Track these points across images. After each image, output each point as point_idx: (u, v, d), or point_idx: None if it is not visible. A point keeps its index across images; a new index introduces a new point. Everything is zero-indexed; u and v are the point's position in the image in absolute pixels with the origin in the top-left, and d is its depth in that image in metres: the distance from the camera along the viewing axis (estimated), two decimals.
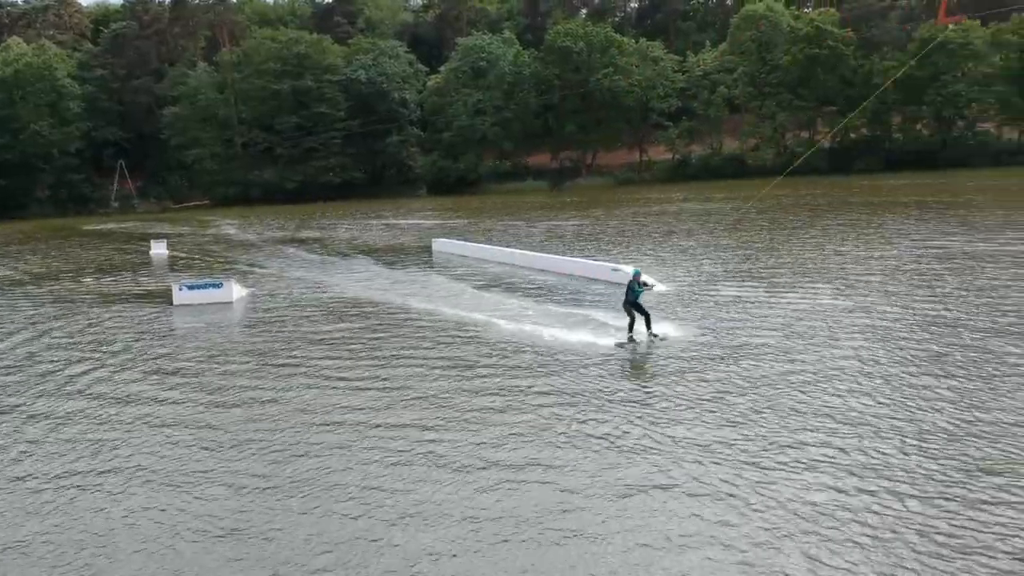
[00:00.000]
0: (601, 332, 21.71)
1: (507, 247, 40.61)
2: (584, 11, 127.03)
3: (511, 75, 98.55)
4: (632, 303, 19.91)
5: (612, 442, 13.86)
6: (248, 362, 21.05)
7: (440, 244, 43.92)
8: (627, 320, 20.17)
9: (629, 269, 22.64)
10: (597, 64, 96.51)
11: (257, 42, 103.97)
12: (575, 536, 10.77)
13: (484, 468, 13.07)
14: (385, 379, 18.53)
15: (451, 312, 26.12)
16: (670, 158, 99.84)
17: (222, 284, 31.59)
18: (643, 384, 17.19)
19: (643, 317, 19.95)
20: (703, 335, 20.72)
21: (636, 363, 18.86)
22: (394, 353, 20.96)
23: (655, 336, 19.92)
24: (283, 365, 20.42)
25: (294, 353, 21.65)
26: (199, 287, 31.50)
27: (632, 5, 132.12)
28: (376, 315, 26.41)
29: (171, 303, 30.65)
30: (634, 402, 15.93)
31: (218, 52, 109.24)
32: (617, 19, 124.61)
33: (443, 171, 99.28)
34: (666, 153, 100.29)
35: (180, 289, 31.19)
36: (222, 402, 17.64)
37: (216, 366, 20.84)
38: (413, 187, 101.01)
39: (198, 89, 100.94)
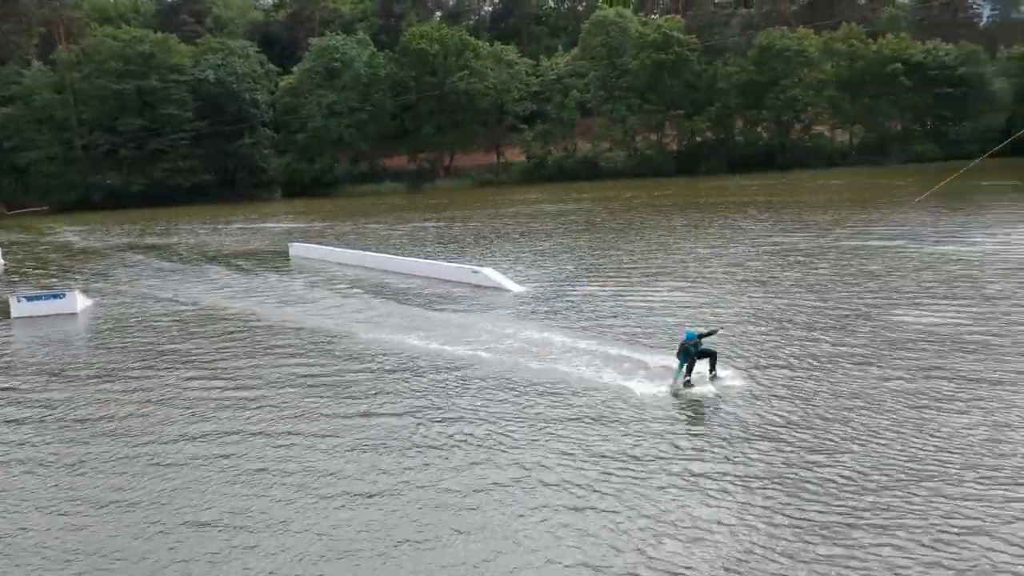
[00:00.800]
0: (457, 337, 22.10)
1: (366, 250, 40.44)
2: (438, 14, 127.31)
3: (366, 76, 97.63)
4: (693, 357, 16.77)
5: (464, 441, 14.28)
6: (94, 377, 20.33)
7: (297, 249, 43.26)
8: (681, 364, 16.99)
9: (682, 332, 17.65)
10: (453, 66, 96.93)
11: (98, 40, 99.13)
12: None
13: (329, 473, 13.26)
14: (240, 394, 18.29)
15: (309, 320, 25.93)
16: (526, 160, 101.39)
17: (65, 295, 30.22)
18: (498, 387, 17.63)
19: (709, 358, 17.03)
20: (550, 330, 21.41)
21: (507, 366, 19.28)
22: (250, 366, 20.69)
23: (715, 376, 16.98)
24: (133, 379, 19.84)
25: (144, 368, 21.05)
26: (39, 298, 30.06)
27: (486, 8, 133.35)
28: (230, 325, 25.89)
29: (8, 316, 29.11)
30: (493, 407, 16.38)
31: (55, 50, 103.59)
32: (471, 22, 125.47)
33: (298, 173, 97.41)
34: (522, 155, 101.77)
35: (18, 301, 29.66)
36: (65, 420, 17.03)
37: (59, 382, 20.05)
38: (267, 190, 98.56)
39: (33, 89, 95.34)
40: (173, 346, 23.16)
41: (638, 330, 21.39)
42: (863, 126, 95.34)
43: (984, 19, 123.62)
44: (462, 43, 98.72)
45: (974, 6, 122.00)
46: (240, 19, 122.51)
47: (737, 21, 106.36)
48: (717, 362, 17.15)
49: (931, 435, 13.37)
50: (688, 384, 16.70)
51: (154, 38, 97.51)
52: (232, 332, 24.60)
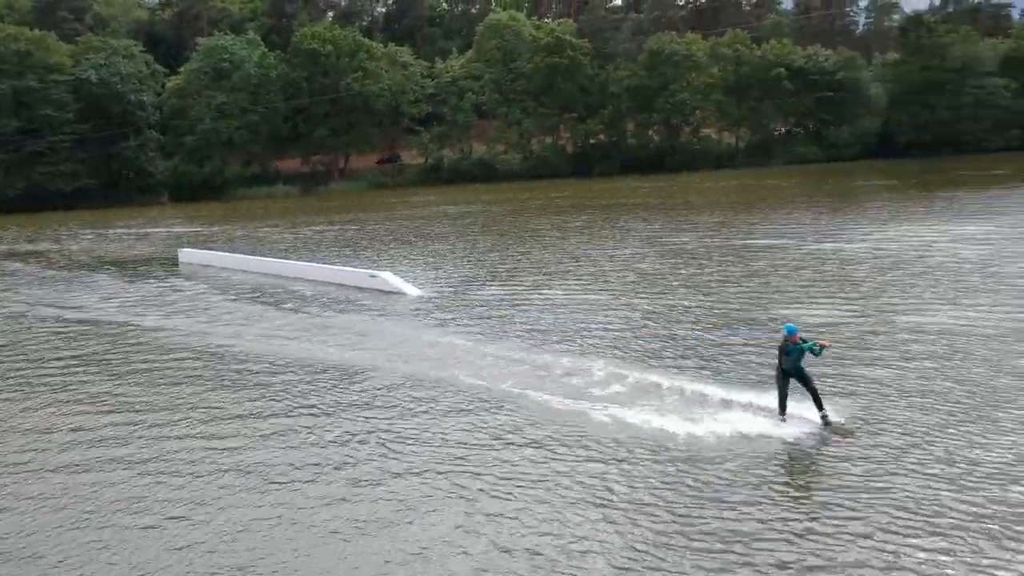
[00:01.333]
0: (355, 343, 22.06)
1: (259, 256, 39.76)
2: (330, 14, 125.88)
3: (257, 77, 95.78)
4: (790, 372, 14.26)
5: (345, 442, 14.37)
6: None
7: (187, 255, 42.17)
8: (776, 396, 14.56)
9: (780, 330, 15.14)
10: (346, 67, 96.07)
11: None
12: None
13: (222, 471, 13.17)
14: (125, 401, 17.84)
15: (200, 329, 25.37)
16: (422, 162, 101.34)
17: None
18: (377, 392, 17.71)
19: (809, 392, 14.25)
20: (449, 334, 21.61)
21: (405, 372, 19.33)
22: (137, 376, 20.18)
23: (827, 420, 14.03)
24: (12, 391, 19.13)
25: (23, 380, 20.29)
26: None
27: (379, 10, 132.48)
28: (117, 336, 25.13)
29: None
30: (360, 406, 16.47)
31: None
32: (364, 23, 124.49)
33: (186, 176, 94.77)
34: (418, 157, 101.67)
35: None
36: None
37: None
38: (154, 193, 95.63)
39: None
40: (55, 358, 22.37)
41: (536, 332, 21.75)
42: (748, 128, 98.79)
43: (860, 27, 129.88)
44: (355, 44, 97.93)
45: (850, 14, 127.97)
46: (123, 17, 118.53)
47: (628, 26, 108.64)
48: (821, 396, 14.23)
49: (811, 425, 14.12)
50: (783, 412, 14.33)
51: (30, 35, 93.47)
52: (119, 342, 23.91)
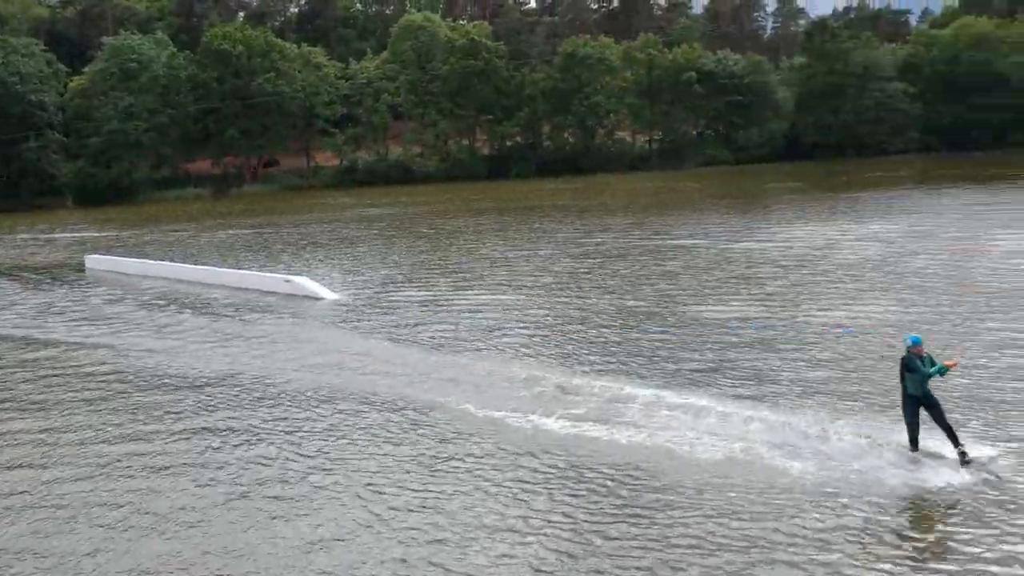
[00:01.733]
0: (268, 352, 21.79)
1: (171, 261, 38.84)
2: (242, 14, 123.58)
3: (166, 78, 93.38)
4: (918, 398, 12.21)
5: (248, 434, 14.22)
6: None
7: (94, 261, 40.84)
8: (906, 430, 12.52)
9: (906, 340, 12.68)
10: (258, 68, 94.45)
11: None
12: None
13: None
14: (22, 423, 17.25)
15: (107, 339, 24.57)
16: (337, 164, 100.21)
17: None
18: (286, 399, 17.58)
19: (940, 425, 12.13)
20: (366, 338, 21.53)
21: (318, 380, 19.16)
22: (36, 390, 19.50)
23: (965, 458, 11.89)
24: None
25: None
26: None
27: (292, 10, 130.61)
28: (15, 348, 24.13)
29: None
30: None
31: None
32: (277, 23, 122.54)
33: (91, 179, 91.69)
34: (333, 159, 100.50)
35: None
36: None
37: None
38: (58, 196, 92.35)
39: None
40: None
41: (454, 335, 21.80)
42: (661, 131, 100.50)
43: (768, 32, 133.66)
44: (268, 44, 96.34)
45: (758, 19, 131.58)
46: (23, 15, 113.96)
47: (542, 29, 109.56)
48: (954, 427, 12.13)
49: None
50: (914, 446, 12.33)
51: None
52: (18, 356, 23.06)
